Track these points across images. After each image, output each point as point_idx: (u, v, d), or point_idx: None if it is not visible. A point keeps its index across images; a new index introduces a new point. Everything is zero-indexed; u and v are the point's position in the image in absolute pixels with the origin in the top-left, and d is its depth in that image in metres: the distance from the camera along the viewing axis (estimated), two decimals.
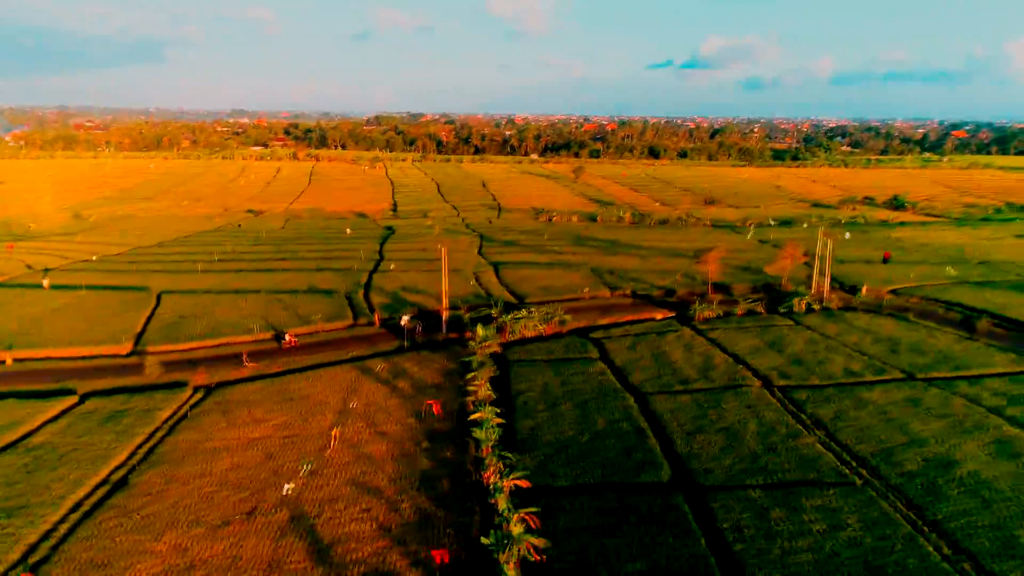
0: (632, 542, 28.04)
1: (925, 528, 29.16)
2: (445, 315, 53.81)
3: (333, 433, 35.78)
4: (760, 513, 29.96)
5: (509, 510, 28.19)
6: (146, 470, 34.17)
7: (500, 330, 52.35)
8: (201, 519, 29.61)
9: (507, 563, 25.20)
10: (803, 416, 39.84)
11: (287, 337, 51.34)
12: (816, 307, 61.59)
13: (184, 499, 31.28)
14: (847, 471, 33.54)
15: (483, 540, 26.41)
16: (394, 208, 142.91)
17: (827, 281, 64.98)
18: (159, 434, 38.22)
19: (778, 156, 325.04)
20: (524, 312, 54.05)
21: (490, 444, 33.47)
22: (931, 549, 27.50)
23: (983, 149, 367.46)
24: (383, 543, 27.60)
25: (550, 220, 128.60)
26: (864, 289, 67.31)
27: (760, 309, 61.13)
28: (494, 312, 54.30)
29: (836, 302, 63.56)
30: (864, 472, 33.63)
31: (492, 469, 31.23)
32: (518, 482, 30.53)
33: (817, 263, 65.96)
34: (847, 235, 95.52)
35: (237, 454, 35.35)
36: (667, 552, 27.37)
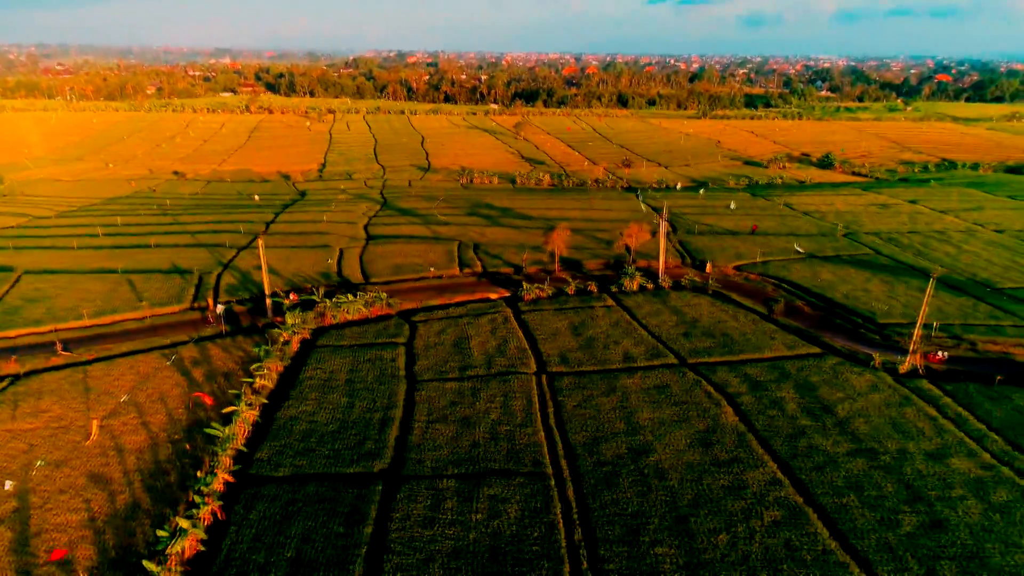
0: (302, 532, 31.70)
1: (576, 517, 32.97)
2: (268, 301, 56.48)
3: (93, 424, 39.09)
4: (436, 503, 33.60)
5: (199, 505, 31.76)
6: None
7: (322, 314, 55.25)
8: None
9: (169, 555, 28.82)
10: (549, 404, 43.33)
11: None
12: (649, 286, 64.44)
13: None
14: (547, 460, 37.19)
15: (159, 532, 30.10)
16: (321, 169, 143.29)
17: (662, 259, 67.27)
18: None
19: (751, 103, 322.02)
20: (348, 296, 56.81)
21: (225, 438, 36.84)
22: (562, 536, 31.33)
23: (960, 95, 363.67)
24: (82, 533, 31.28)
25: (470, 182, 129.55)
26: (708, 266, 70.01)
27: (592, 288, 63.96)
28: (316, 296, 57.04)
29: (691, 275, 66.12)
30: (564, 462, 37.31)
31: (208, 464, 34.75)
32: (226, 477, 34.08)
33: (662, 241, 68.28)
34: (732, 205, 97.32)
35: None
36: (326, 541, 31.08)
